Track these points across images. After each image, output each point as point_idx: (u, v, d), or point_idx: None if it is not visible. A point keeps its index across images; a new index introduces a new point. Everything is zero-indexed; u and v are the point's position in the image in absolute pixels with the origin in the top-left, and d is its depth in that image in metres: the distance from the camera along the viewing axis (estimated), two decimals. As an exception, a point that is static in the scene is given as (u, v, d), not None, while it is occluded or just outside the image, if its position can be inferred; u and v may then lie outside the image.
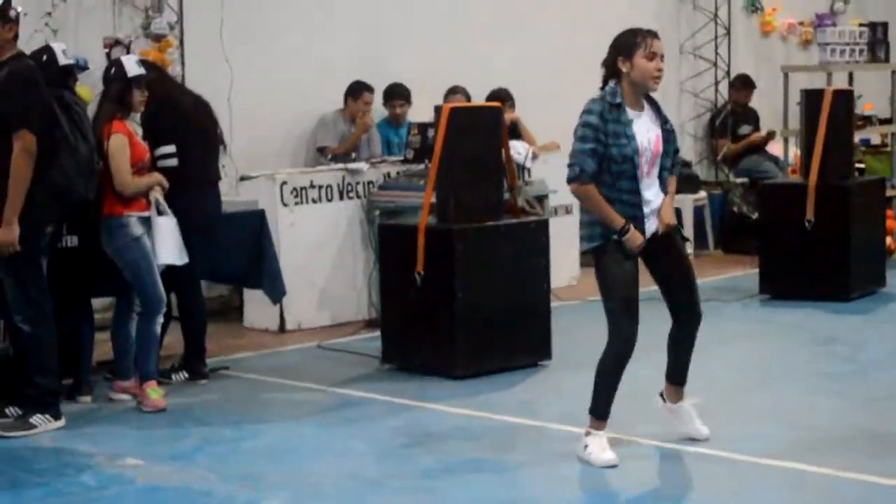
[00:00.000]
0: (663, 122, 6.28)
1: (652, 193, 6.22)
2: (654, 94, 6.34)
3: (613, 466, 6.10)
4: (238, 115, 10.41)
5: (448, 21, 12.16)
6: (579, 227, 6.32)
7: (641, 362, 6.47)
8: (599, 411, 6.23)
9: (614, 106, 6.11)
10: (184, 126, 8.19)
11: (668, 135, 6.28)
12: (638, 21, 13.42)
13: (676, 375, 6.56)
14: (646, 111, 6.24)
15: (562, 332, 8.68)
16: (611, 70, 6.22)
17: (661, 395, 6.64)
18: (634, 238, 6.11)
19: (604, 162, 6.09)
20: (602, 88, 6.23)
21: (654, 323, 6.46)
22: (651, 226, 6.20)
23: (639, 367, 6.46)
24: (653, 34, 6.21)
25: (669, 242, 6.32)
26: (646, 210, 6.19)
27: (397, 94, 11.43)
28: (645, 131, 6.17)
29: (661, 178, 6.26)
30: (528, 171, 10.60)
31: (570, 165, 6.15)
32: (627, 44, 6.17)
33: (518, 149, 10.29)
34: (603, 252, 6.16)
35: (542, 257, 8.45)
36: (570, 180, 6.14)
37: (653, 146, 6.17)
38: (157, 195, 7.63)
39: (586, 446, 6.20)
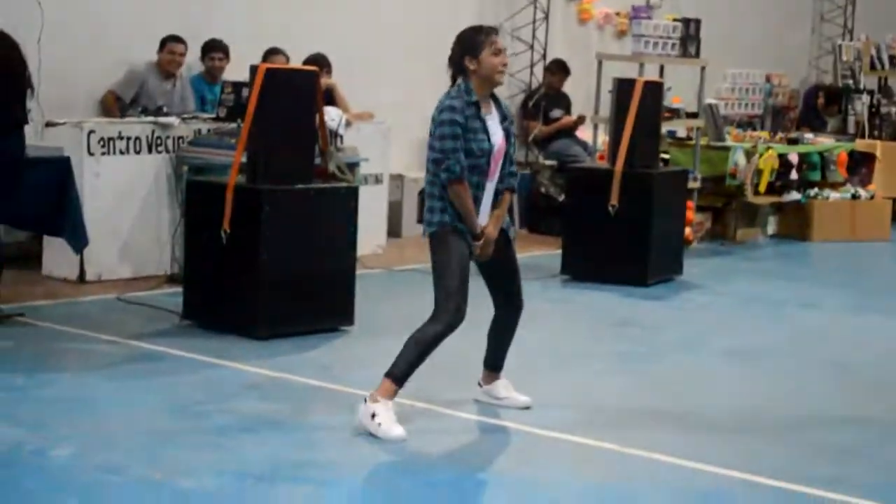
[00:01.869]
0: (503, 118, 6.44)
1: (489, 193, 6.38)
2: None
3: (403, 441, 6.09)
4: (48, 59, 10.13)
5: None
6: (427, 211, 6.37)
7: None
8: (400, 378, 6.20)
9: (471, 104, 6.25)
10: None
11: (508, 134, 6.44)
12: (460, -2, 13.77)
13: (496, 362, 6.81)
14: (493, 111, 6.40)
15: (365, 299, 8.72)
16: (458, 68, 6.34)
17: (479, 383, 6.86)
18: (485, 248, 6.32)
19: None
20: (452, 85, 6.34)
21: (477, 301, 6.54)
22: (482, 221, 6.36)
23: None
24: (495, 30, 6.39)
25: (497, 241, 6.46)
26: (483, 207, 6.37)
27: (216, 47, 11.33)
28: (495, 130, 6.36)
29: (501, 180, 6.41)
30: (341, 137, 10.60)
31: (444, 167, 6.22)
32: (473, 42, 6.30)
33: (332, 115, 10.27)
34: (450, 232, 6.28)
35: (350, 224, 8.46)
36: (450, 181, 6.21)
37: (498, 146, 6.34)
38: (-42, 134, 7.42)
39: (374, 415, 6.13)
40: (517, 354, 6.91)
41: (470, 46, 6.30)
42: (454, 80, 6.36)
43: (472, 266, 6.39)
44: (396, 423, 6.14)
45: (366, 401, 6.21)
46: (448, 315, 6.21)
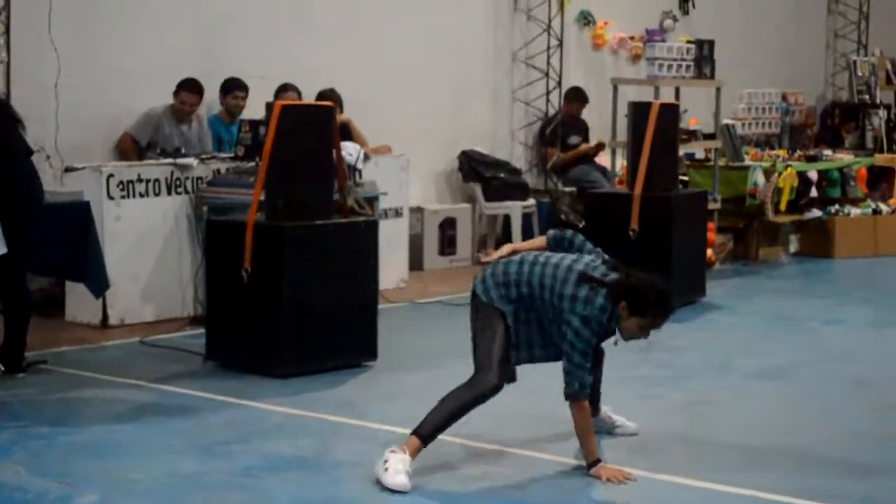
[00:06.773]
0: None
1: None
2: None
3: (403, 492, 5.85)
4: (65, 105, 10.23)
5: (286, 21, 12.12)
6: (496, 287, 6.20)
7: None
8: (427, 437, 6.02)
9: (609, 330, 6.15)
10: None
11: None
12: (472, 28, 13.81)
13: (593, 401, 6.68)
14: None
15: (388, 333, 8.71)
16: (616, 296, 6.05)
17: None
18: (604, 473, 6.15)
19: None
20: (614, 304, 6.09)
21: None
22: None
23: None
24: (669, 315, 6.21)
25: None
26: None
27: (238, 86, 11.31)
28: None
29: None
30: (360, 172, 10.61)
31: (569, 380, 6.08)
32: (642, 309, 6.08)
33: (349, 150, 10.29)
34: (505, 315, 6.16)
35: (371, 258, 8.45)
36: (570, 396, 6.09)
37: None
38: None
39: (386, 461, 5.93)
40: (542, 379, 6.84)
41: (637, 307, 6.06)
42: (616, 300, 6.05)
43: None
44: (404, 474, 5.89)
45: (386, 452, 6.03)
46: (493, 385, 6.07)
